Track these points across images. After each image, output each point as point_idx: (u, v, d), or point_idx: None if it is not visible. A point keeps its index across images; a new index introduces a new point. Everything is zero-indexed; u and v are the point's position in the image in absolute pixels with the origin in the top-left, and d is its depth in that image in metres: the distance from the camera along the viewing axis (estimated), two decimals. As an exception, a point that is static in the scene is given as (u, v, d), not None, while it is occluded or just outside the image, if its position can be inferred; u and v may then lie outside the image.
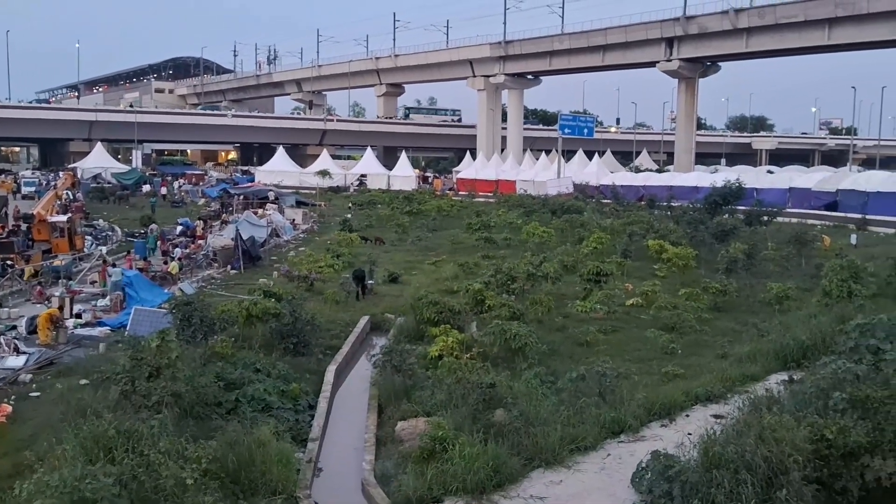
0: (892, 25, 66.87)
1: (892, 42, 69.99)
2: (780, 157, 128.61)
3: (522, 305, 23.16)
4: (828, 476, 11.39)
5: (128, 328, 20.87)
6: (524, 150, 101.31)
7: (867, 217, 44.67)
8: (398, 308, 25.13)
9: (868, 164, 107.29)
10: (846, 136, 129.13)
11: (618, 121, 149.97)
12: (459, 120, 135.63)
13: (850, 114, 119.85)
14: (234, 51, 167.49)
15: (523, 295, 25.19)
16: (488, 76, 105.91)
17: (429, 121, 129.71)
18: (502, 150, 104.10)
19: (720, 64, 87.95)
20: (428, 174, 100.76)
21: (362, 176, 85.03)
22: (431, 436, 12.71)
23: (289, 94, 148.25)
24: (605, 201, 60.68)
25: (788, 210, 49.78)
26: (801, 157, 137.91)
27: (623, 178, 75.33)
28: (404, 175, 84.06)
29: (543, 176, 77.16)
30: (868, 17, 67.92)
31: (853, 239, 37.04)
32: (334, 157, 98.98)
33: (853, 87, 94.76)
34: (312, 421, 15.22)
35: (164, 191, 67.55)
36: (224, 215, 48.77)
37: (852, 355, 14.09)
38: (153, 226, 41.42)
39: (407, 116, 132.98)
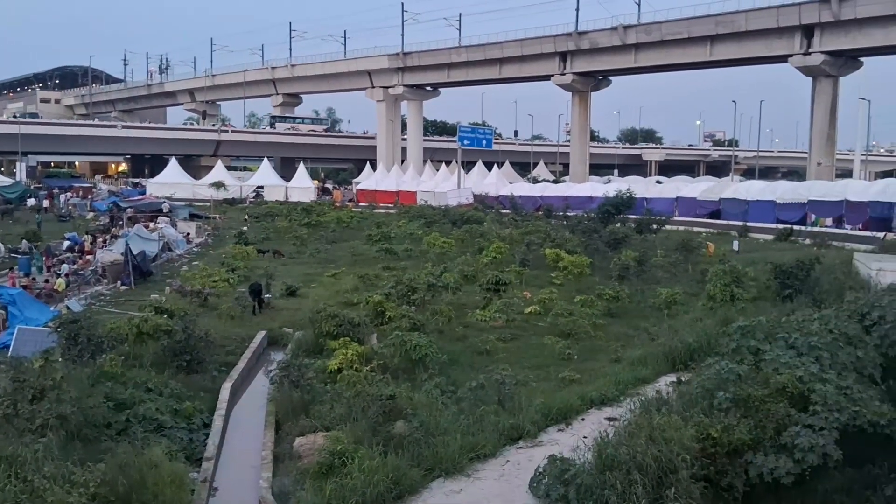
0: (768, 42, 70.90)
1: (768, 58, 74.11)
2: (669, 168, 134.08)
3: (423, 316, 23.21)
4: (714, 473, 11.87)
5: (11, 349, 19.70)
6: (425, 161, 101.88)
7: (748, 224, 46.92)
8: (296, 322, 24.73)
9: (749, 173, 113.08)
10: (728, 148, 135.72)
11: (516, 133, 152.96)
12: (329, 129, 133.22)
13: (732, 126, 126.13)
14: (125, 60, 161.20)
15: (424, 305, 25.25)
16: (387, 87, 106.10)
17: (295, 129, 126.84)
18: (403, 161, 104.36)
19: (611, 78, 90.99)
20: (327, 185, 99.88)
21: (259, 187, 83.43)
22: (330, 450, 12.55)
23: (181, 105, 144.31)
24: (505, 211, 61.66)
25: (676, 218, 51.87)
26: (688, 167, 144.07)
27: (521, 188, 76.75)
28: (303, 186, 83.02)
29: (444, 186, 77.80)
30: (746, 35, 71.79)
31: (735, 245, 38.83)
32: (230, 168, 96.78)
33: (734, 102, 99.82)
34: (207, 440, 14.78)
35: (46, 204, 64.40)
36: (114, 229, 46.88)
37: (735, 356, 14.76)
38: (24, 242, 39.15)
39: (272, 126, 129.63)
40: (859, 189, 45.49)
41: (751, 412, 12.55)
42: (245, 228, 50.50)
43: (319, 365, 18.47)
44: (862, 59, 70.51)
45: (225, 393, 17.54)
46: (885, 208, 39.38)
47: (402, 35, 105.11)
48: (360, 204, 76.83)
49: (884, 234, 34.74)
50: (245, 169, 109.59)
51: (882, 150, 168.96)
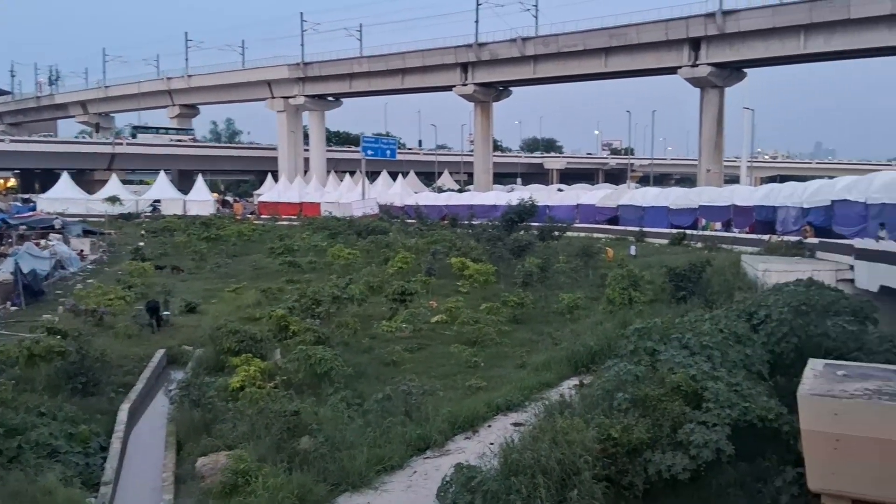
0: (658, 54, 73.77)
1: (659, 69, 77.06)
2: (569, 176, 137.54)
3: (328, 329, 23.00)
4: (615, 473, 12.20)
5: None
6: (328, 172, 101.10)
7: (644, 229, 48.42)
8: (197, 339, 24.07)
9: (644, 180, 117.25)
10: (625, 156, 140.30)
11: (420, 143, 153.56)
12: (195, 139, 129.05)
13: (628, 135, 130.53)
14: (12, 71, 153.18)
15: (329, 318, 25.03)
16: (288, 98, 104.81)
17: (158, 140, 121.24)
18: (306, 172, 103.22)
19: (512, 89, 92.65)
20: (227, 198, 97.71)
21: (156, 202, 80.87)
22: (233, 469, 12.29)
23: (73, 117, 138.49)
24: (410, 221, 61.77)
25: (577, 225, 53.04)
26: (588, 175, 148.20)
27: (426, 198, 77.12)
28: (202, 199, 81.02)
29: (348, 197, 77.36)
30: (638, 47, 74.51)
31: (632, 250, 40.03)
32: (125, 182, 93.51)
33: (628, 112, 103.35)
34: (105, 464, 14.21)
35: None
36: (2, 248, 44.45)
37: (632, 357, 15.24)
38: None
39: (134, 136, 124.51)
40: (745, 194, 47.66)
41: (648, 411, 12.96)
42: (142, 244, 48.86)
43: (221, 383, 18.03)
44: (746, 70, 74.19)
45: (123, 415, 16.94)
46: (769, 212, 41.42)
47: (302, 45, 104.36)
48: (262, 216, 75.45)
49: (769, 236, 36.47)
50: (141, 182, 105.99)
51: (766, 157, 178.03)
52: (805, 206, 37.34)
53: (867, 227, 30.16)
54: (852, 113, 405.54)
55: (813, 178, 62.79)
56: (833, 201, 34.52)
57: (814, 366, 14.45)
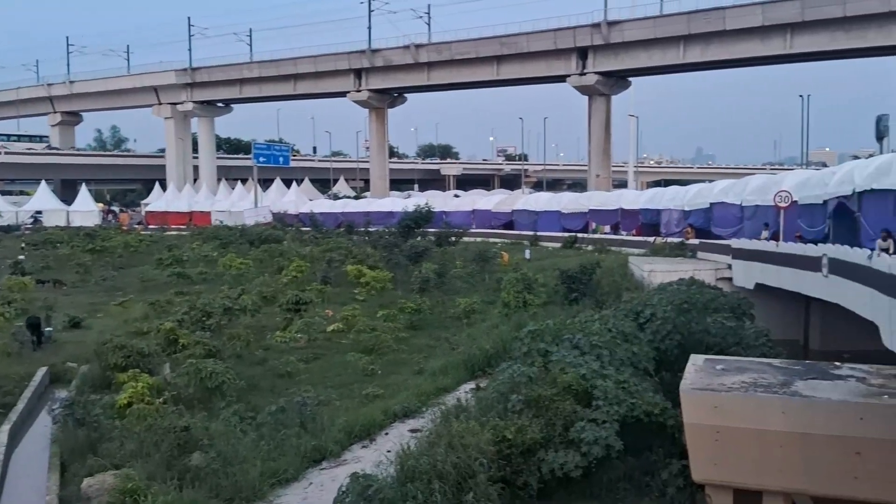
0: (548, 62, 75.63)
1: (549, 77, 79.01)
2: (466, 182, 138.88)
3: (219, 341, 22.38)
4: (511, 473, 12.40)
5: None
6: (219, 180, 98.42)
7: (538, 233, 49.50)
8: (81, 356, 22.90)
9: (538, 186, 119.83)
10: (519, 162, 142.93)
11: (314, 149, 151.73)
12: (50, 146, 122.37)
13: (521, 142, 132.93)
14: None
15: (220, 330, 24.35)
16: (176, 104, 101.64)
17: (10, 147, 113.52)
18: (195, 181, 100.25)
19: (406, 95, 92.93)
20: (113, 208, 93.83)
21: (37, 213, 76.83)
22: (121, 489, 11.77)
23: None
24: (305, 229, 60.92)
25: (473, 230, 53.71)
26: (484, 181, 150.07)
27: (322, 205, 76.20)
28: (86, 210, 77.46)
29: (240, 206, 75.61)
30: (529, 55, 76.15)
31: (527, 254, 40.81)
32: (4, 192, 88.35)
33: (521, 118, 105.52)
34: (-18, 490, 13.37)
35: None
36: None
37: (526, 359, 15.55)
38: None
39: None
40: (632, 198, 49.45)
41: (542, 411, 13.25)
42: (22, 257, 46.13)
43: (108, 400, 17.26)
44: (630, 78, 77.03)
45: (3, 436, 16.00)
46: (653, 215, 43.12)
47: (190, 50, 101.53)
48: (150, 227, 72.79)
49: (654, 238, 37.99)
50: (22, 193, 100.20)
51: (652, 162, 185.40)
52: (686, 208, 39.07)
53: (743, 227, 31.81)
54: (730, 120, 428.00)
55: (694, 181, 65.74)
56: (711, 204, 36.25)
57: (695, 361, 15.15)
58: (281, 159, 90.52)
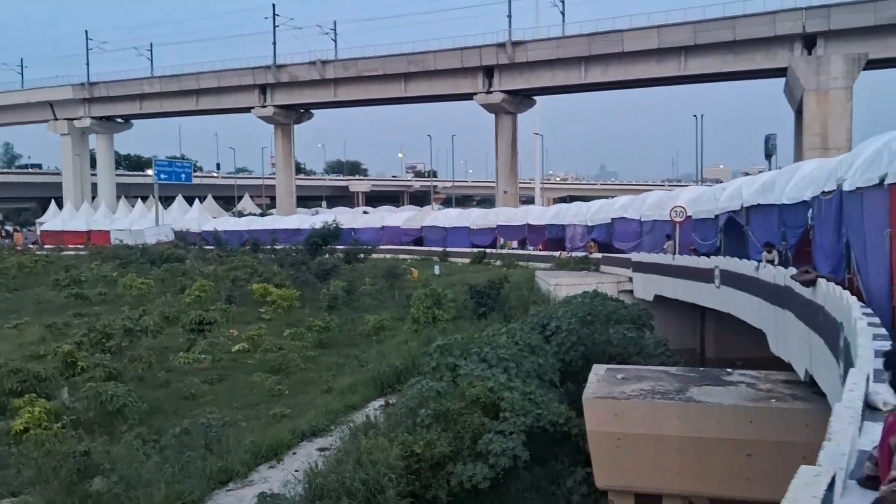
0: (455, 81, 76.50)
1: (456, 95, 79.95)
2: (375, 199, 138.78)
3: (120, 364, 21.62)
4: (420, 488, 12.45)
5: None
6: (118, 198, 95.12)
7: (447, 249, 49.89)
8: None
9: (448, 202, 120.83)
10: (428, 179, 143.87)
11: (218, 166, 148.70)
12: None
13: (430, 158, 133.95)
14: None
15: (121, 352, 23.52)
16: (72, 119, 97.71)
17: None
18: (94, 198, 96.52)
19: (313, 111, 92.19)
20: (7, 227, 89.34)
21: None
22: (14, 521, 11.24)
23: None
24: (209, 248, 59.49)
25: (382, 247, 53.64)
26: (393, 197, 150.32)
27: (226, 223, 74.63)
28: (-26, 230, 73.46)
29: (141, 224, 73.27)
30: (436, 73, 76.88)
31: (436, 270, 41.08)
32: None
33: (430, 136, 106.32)
34: None
35: None
36: None
37: (435, 374, 15.67)
38: None
39: None
40: (538, 213, 50.56)
41: (450, 425, 13.37)
42: None
43: (2, 426, 16.53)
44: (535, 97, 78.78)
45: None
46: (559, 230, 44.17)
47: (88, 64, 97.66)
48: (46, 246, 69.63)
49: (559, 252, 38.91)
50: None
51: (558, 179, 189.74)
52: (590, 223, 40.21)
53: (642, 241, 32.96)
54: (632, 138, 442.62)
55: (598, 197, 67.64)
56: (613, 219, 37.44)
57: (597, 370, 15.61)
58: (183, 176, 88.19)
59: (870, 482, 2.70)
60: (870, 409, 3.99)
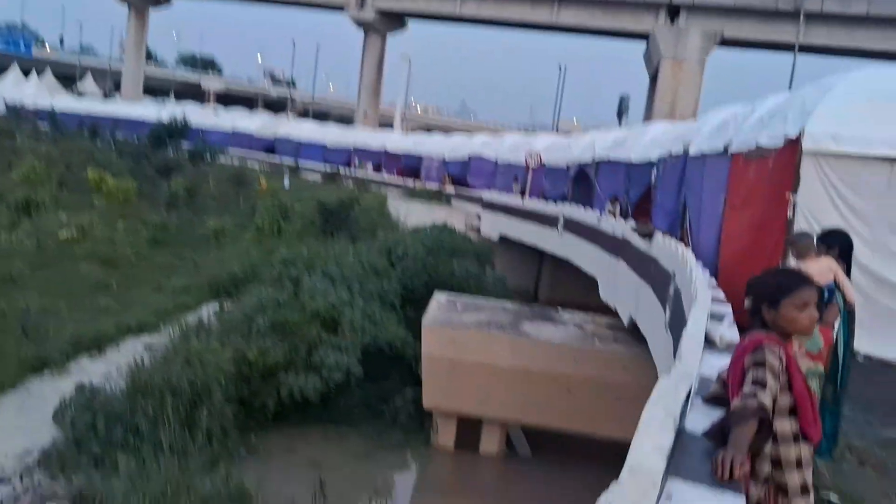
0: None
1: (328, 6, 77.20)
2: (228, 100, 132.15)
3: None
4: (249, 395, 12.40)
5: None
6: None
7: (300, 163, 48.76)
8: None
9: (305, 114, 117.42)
10: (287, 88, 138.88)
11: (62, 40, 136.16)
12: None
13: (291, 67, 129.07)
14: None
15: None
16: None
17: None
18: None
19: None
20: None
21: None
22: None
23: None
24: (44, 129, 54.87)
25: (231, 151, 51.58)
26: (248, 101, 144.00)
27: (65, 102, 68.97)
28: None
29: (-36, 91, 66.43)
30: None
31: (286, 182, 40.10)
32: None
33: (293, 42, 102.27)
34: None
35: None
36: None
37: (276, 284, 15.49)
38: None
39: None
40: (396, 140, 50.23)
41: (287, 336, 13.32)
42: None
43: None
44: (408, 20, 77.52)
45: None
46: (415, 160, 44.21)
47: None
48: None
49: (414, 181, 39.10)
50: None
51: (419, 110, 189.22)
52: (447, 158, 40.53)
53: (496, 181, 33.67)
54: (494, 80, 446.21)
55: (456, 132, 68.10)
56: (469, 157, 37.93)
57: (438, 298, 15.99)
58: (22, 46, 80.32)
59: (716, 401, 2.97)
60: (707, 343, 4.36)
